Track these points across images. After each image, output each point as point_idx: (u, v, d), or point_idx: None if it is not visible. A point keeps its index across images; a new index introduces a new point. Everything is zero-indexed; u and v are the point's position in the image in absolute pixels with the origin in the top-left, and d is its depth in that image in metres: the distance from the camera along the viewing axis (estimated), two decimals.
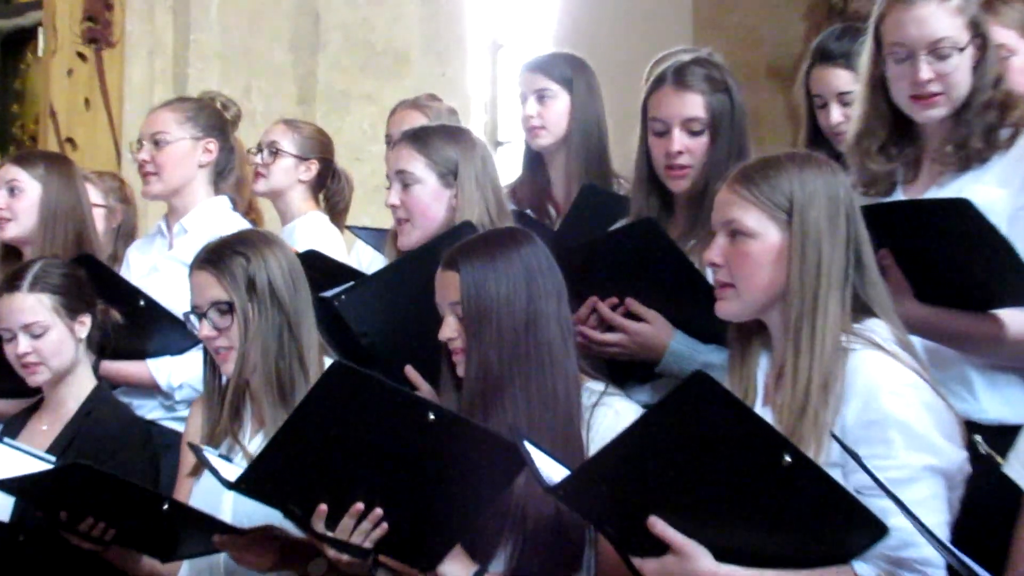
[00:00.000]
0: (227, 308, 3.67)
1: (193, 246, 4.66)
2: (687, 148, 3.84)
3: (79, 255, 4.63)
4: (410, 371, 3.69)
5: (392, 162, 4.21)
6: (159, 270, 4.75)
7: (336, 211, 5.65)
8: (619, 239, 3.79)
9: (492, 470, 3.08)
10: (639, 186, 3.98)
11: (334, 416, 3.05)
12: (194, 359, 4.57)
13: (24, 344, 4.15)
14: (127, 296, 4.47)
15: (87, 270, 4.39)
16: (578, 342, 3.68)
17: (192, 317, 3.74)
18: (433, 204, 4.09)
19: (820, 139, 4.25)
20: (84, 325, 4.22)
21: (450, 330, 3.35)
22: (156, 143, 4.86)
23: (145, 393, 4.69)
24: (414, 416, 3.02)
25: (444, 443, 3.04)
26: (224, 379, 3.79)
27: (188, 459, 3.78)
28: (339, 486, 3.13)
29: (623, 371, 3.79)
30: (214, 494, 3.62)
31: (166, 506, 3.51)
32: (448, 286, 3.35)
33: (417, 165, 4.11)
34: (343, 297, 3.87)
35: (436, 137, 4.16)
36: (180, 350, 4.62)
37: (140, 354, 4.65)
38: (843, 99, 4.15)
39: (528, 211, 4.69)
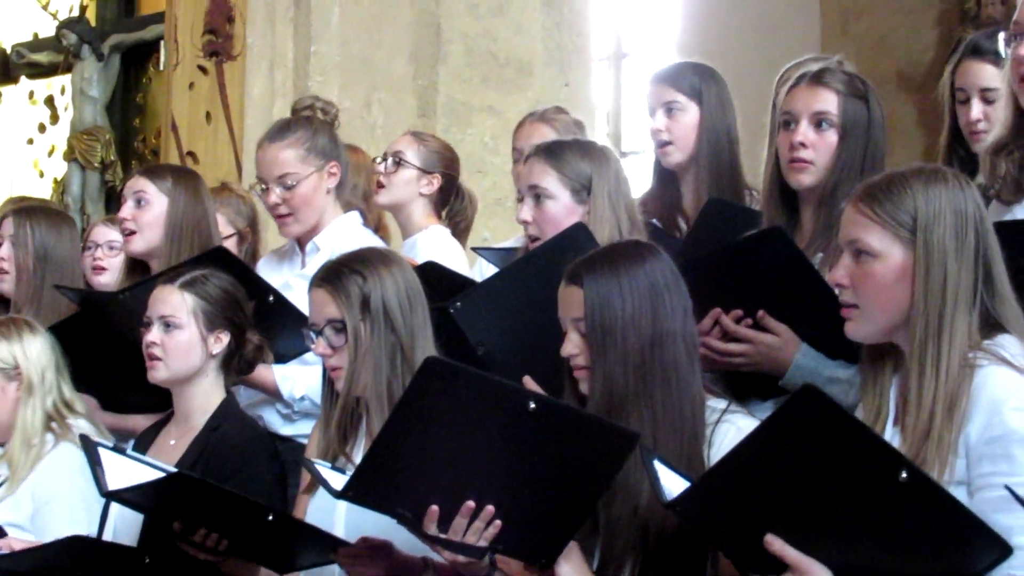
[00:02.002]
0: (342, 326, 3.74)
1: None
2: (811, 142, 3.83)
3: (213, 248, 4.73)
4: (528, 381, 3.61)
5: (524, 176, 4.23)
6: (292, 287, 4.77)
7: (458, 229, 5.65)
8: (746, 249, 3.76)
9: (599, 456, 3.08)
10: (768, 191, 3.98)
11: (434, 413, 3.05)
12: (319, 374, 4.64)
13: (155, 333, 4.25)
14: (257, 291, 4.53)
15: (219, 262, 4.46)
16: (701, 354, 3.69)
17: (310, 333, 3.80)
18: (566, 220, 4.09)
19: (960, 138, 4.23)
20: (220, 342, 4.29)
21: (572, 346, 3.35)
22: (286, 186, 4.87)
23: (268, 401, 4.76)
24: (515, 406, 3.03)
25: (548, 432, 3.04)
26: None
27: (307, 476, 3.85)
28: (448, 485, 3.12)
29: (745, 386, 3.80)
30: (327, 510, 3.70)
31: (271, 517, 3.57)
32: (571, 302, 3.35)
33: (550, 180, 4.14)
34: (459, 304, 3.89)
35: (570, 152, 4.18)
36: (308, 350, 4.67)
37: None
38: (985, 95, 4.13)
39: (654, 220, 4.66)
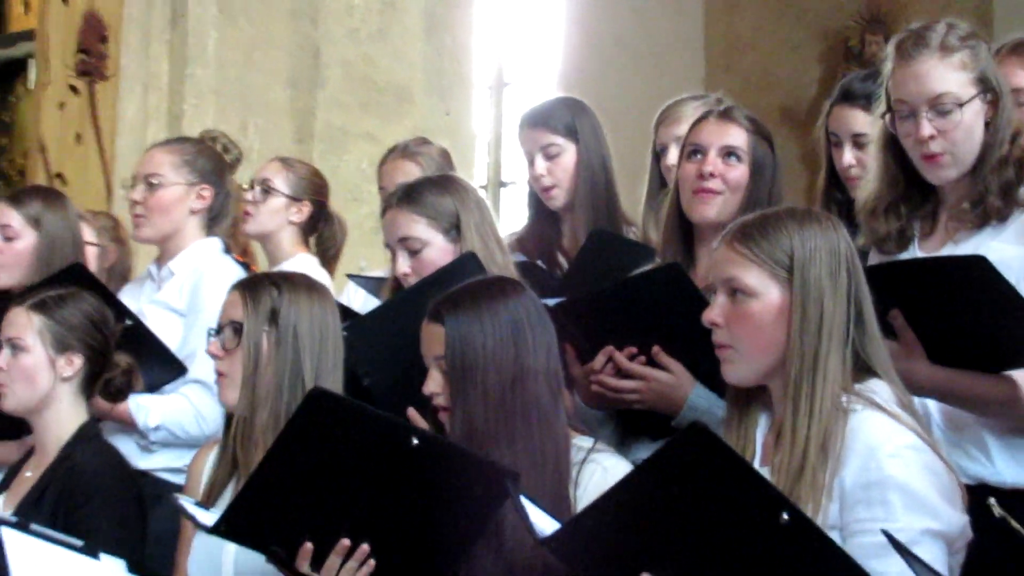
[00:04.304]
0: (240, 328, 3.66)
1: (179, 289, 4.70)
2: (720, 172, 3.86)
3: (71, 264, 4.63)
4: (412, 413, 3.54)
5: (389, 229, 4.16)
6: (144, 315, 4.69)
7: (327, 256, 5.59)
8: (642, 284, 3.76)
9: (480, 497, 3.06)
10: (668, 228, 3.99)
11: (315, 446, 3.02)
12: (176, 403, 4.59)
13: (3, 357, 4.12)
14: (114, 313, 4.41)
15: (75, 279, 4.36)
16: (593, 391, 3.72)
17: (211, 336, 3.72)
18: (445, 263, 4.03)
19: (837, 181, 4.27)
20: (71, 365, 4.13)
21: (434, 384, 3.33)
22: (150, 185, 4.83)
23: (123, 431, 4.67)
24: (397, 442, 3.00)
25: (430, 470, 3.02)
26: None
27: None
28: (323, 522, 3.09)
29: (637, 425, 3.80)
30: (215, 549, 3.58)
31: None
32: (433, 339, 3.34)
33: (419, 228, 4.08)
34: (344, 333, 3.83)
35: (429, 193, 4.12)
36: (162, 382, 4.61)
37: None
38: (857, 140, 4.16)
39: (539, 262, 4.64)
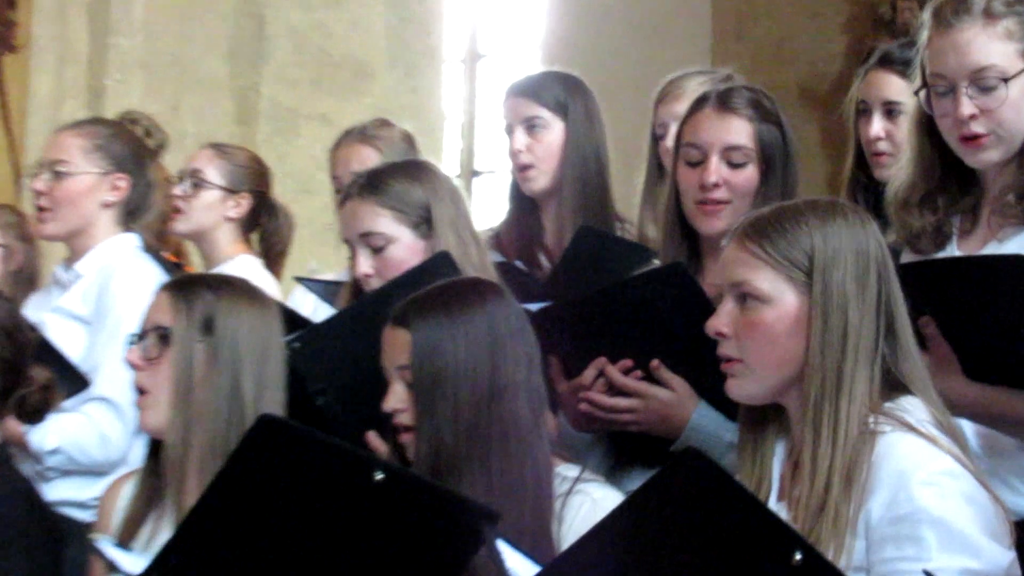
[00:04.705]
0: (166, 336, 3.62)
1: (85, 293, 4.69)
2: (725, 180, 3.82)
3: None
4: (372, 438, 3.61)
5: (350, 223, 4.12)
6: (43, 325, 4.63)
7: (272, 254, 5.59)
8: (638, 287, 3.73)
9: (453, 538, 3.03)
10: (668, 232, 3.97)
11: (263, 481, 2.98)
12: (76, 423, 4.55)
13: None
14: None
15: None
16: (581, 410, 3.71)
17: (131, 343, 3.67)
18: (413, 262, 4.00)
19: (863, 162, 4.32)
20: None
21: (396, 399, 3.33)
22: (56, 173, 4.81)
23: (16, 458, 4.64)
24: (359, 476, 2.95)
25: (395, 508, 2.98)
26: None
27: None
28: (271, 570, 3.03)
29: (632, 450, 3.78)
30: None
31: None
32: (397, 346, 3.33)
33: (384, 222, 4.05)
34: (297, 345, 3.81)
35: (395, 181, 4.09)
36: (72, 394, 4.56)
37: None
38: (889, 109, 4.19)
39: (518, 262, 4.63)
